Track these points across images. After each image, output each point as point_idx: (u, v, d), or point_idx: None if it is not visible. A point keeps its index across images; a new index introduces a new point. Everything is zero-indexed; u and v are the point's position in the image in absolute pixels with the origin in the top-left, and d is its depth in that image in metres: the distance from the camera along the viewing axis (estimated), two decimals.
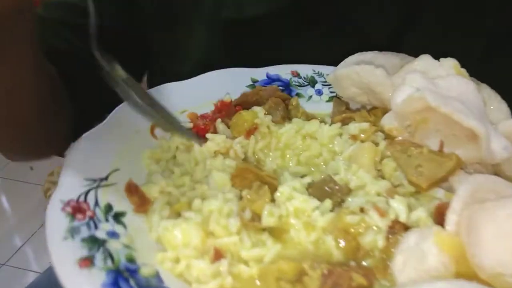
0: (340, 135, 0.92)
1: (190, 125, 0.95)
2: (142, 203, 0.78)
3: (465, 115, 0.78)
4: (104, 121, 0.85)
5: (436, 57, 1.04)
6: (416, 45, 1.10)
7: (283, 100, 1.01)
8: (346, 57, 1.06)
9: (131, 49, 1.16)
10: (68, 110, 0.98)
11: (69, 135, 0.92)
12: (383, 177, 0.83)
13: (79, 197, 0.72)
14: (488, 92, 0.97)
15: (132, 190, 0.79)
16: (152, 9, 1.13)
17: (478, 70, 1.01)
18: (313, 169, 0.90)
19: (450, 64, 0.95)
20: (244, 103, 1.00)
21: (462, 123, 0.77)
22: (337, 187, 0.77)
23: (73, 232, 0.66)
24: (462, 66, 1.04)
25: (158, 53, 1.22)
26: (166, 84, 1.00)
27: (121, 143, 0.85)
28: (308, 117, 0.99)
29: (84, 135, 0.81)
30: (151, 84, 1.24)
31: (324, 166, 0.90)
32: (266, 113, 0.95)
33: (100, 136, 0.83)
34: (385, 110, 0.96)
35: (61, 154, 0.84)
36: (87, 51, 0.79)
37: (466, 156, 0.81)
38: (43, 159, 1.03)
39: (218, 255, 0.67)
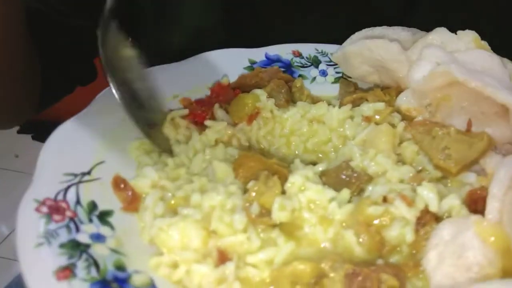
0: (351, 117, 0.82)
1: (184, 111, 0.85)
2: (132, 200, 0.68)
3: (497, 89, 0.69)
4: (87, 107, 0.74)
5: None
6: (426, 20, 1.03)
7: (285, 82, 0.91)
8: (352, 29, 0.97)
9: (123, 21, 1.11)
10: (36, 75, 0.89)
11: (35, 103, 0.84)
12: (403, 162, 0.74)
13: (57, 194, 0.61)
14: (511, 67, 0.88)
15: (120, 185, 0.69)
16: None
17: (490, 42, 0.94)
18: (320, 155, 0.81)
19: (469, 37, 0.85)
20: (243, 86, 0.90)
21: (495, 98, 0.68)
22: (355, 175, 0.68)
23: (49, 236, 0.55)
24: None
25: (147, 21, 1.12)
26: (156, 66, 0.90)
27: (106, 132, 0.74)
28: (314, 100, 0.90)
29: (64, 123, 0.70)
30: None
31: (334, 153, 0.81)
32: (268, 96, 0.85)
33: (82, 124, 0.72)
34: (399, 89, 0.87)
35: (23, 121, 0.76)
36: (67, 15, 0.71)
37: (496, 134, 0.72)
38: (5, 127, 0.93)
39: (222, 258, 0.57)
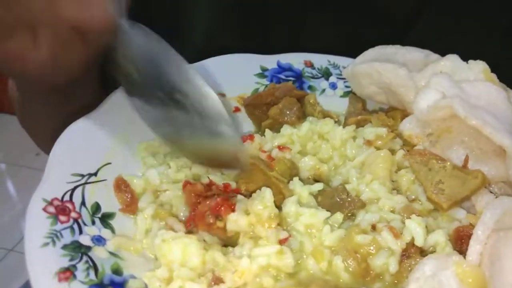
0: (354, 138, 0.84)
1: None
2: (130, 202, 0.71)
3: (496, 130, 0.70)
4: (96, 109, 0.77)
5: (456, 38, 1.00)
6: (433, 27, 1.03)
7: (298, 99, 0.93)
8: (361, 38, 0.99)
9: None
10: None
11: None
12: (398, 190, 0.76)
13: (64, 195, 0.65)
14: None
15: (121, 187, 0.72)
16: None
17: (498, 51, 0.98)
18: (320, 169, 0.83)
19: (479, 67, 0.86)
20: (258, 105, 0.92)
21: (493, 138, 0.69)
22: (349, 199, 0.70)
23: (54, 237, 0.59)
24: (482, 47, 0.98)
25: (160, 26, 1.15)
26: None
27: (115, 132, 0.77)
28: (325, 115, 0.92)
29: (73, 124, 0.73)
30: None
31: (334, 170, 0.83)
32: (280, 113, 0.88)
33: (92, 124, 0.75)
34: (405, 113, 0.88)
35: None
36: None
37: (491, 173, 0.73)
38: None
39: (216, 280, 0.60)
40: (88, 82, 0.74)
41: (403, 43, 0.97)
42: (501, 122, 0.75)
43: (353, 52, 0.98)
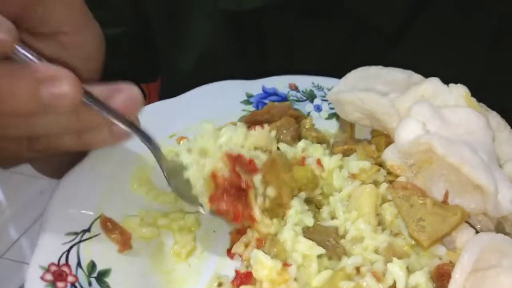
0: (340, 168, 0.86)
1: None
2: (123, 240, 0.74)
3: (473, 168, 0.72)
4: (84, 160, 0.79)
5: (445, 48, 1.04)
6: (422, 37, 1.06)
7: (295, 118, 0.95)
8: (350, 47, 1.03)
9: (142, 52, 1.19)
10: None
11: None
12: (382, 222, 0.79)
13: (60, 258, 0.67)
14: (498, 121, 0.91)
15: (109, 226, 0.74)
16: (154, 4, 1.10)
17: (486, 58, 1.02)
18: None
19: (460, 91, 0.88)
20: (254, 122, 0.93)
21: (470, 177, 0.72)
22: (338, 248, 0.74)
23: None
24: (471, 54, 1.02)
25: (160, 48, 1.18)
26: (152, 104, 0.93)
27: (104, 181, 0.79)
28: (318, 139, 0.94)
29: (62, 180, 0.75)
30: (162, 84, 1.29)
31: (323, 199, 0.86)
32: (277, 132, 0.89)
33: (82, 176, 0.77)
34: (388, 139, 0.90)
35: None
36: None
37: (471, 206, 0.76)
38: None
39: None
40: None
41: (391, 57, 1.00)
42: (481, 152, 0.78)
43: (344, 68, 1.00)
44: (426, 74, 0.92)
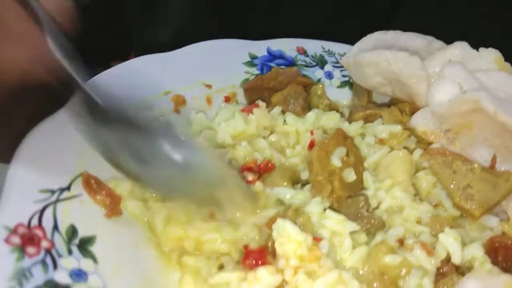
0: (362, 135, 0.75)
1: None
2: (112, 204, 0.59)
3: None
4: (64, 107, 0.63)
5: (440, 20, 0.97)
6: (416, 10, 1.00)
7: (304, 86, 0.83)
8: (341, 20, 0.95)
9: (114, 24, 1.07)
10: None
11: None
12: (417, 194, 0.68)
13: (31, 219, 0.52)
14: None
15: (93, 185, 0.59)
16: None
17: (483, 31, 0.95)
18: None
19: (491, 56, 0.79)
20: (259, 89, 0.81)
21: None
22: (367, 214, 0.61)
23: (21, 277, 0.46)
24: (467, 24, 0.94)
25: (133, 21, 1.06)
26: (144, 56, 0.79)
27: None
28: (331, 109, 0.82)
29: (36, 127, 0.59)
30: None
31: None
32: (284, 101, 0.79)
33: (59, 126, 0.61)
34: (413, 106, 0.80)
35: None
36: None
37: None
38: None
39: None
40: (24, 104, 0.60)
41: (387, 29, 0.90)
42: None
43: (337, 37, 0.92)
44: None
